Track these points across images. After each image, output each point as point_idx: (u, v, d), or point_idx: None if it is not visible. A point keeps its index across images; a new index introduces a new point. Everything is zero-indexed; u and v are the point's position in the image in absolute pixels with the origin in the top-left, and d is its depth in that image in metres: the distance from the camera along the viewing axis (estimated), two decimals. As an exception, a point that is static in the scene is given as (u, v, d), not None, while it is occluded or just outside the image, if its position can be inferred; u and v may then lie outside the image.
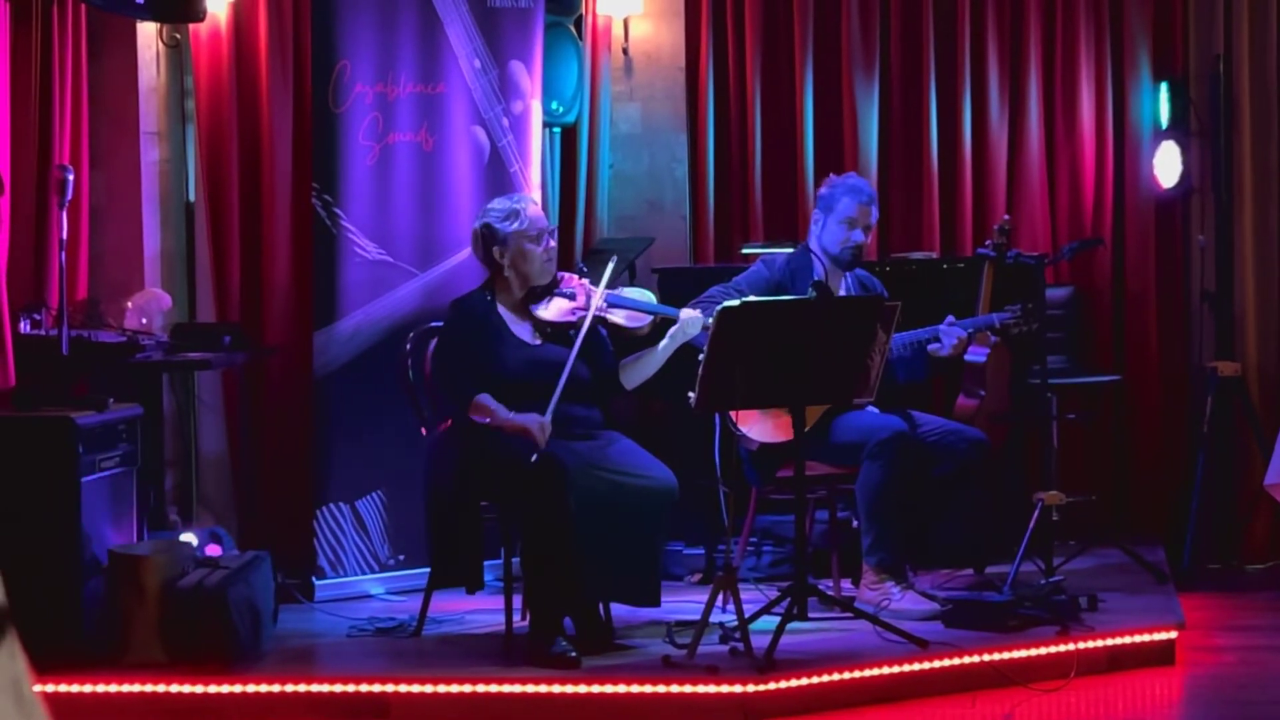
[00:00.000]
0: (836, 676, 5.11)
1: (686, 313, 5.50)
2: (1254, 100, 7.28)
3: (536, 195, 6.55)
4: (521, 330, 5.56)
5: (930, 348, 5.81)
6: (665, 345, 5.48)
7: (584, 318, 5.44)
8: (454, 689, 5.04)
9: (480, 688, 5.03)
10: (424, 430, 5.76)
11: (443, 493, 5.45)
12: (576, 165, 7.41)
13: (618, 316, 5.53)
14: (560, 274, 5.61)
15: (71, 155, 6.14)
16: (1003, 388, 6.30)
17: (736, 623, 5.17)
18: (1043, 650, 5.37)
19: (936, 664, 5.22)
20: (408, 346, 5.86)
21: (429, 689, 5.06)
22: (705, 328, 5.33)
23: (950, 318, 5.86)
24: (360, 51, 6.29)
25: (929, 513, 5.91)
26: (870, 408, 5.83)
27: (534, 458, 5.15)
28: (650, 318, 5.55)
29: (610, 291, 5.56)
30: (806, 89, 7.51)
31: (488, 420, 5.31)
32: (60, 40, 6.09)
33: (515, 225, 5.51)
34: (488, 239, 5.54)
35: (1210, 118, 7.35)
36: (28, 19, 5.96)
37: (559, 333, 5.54)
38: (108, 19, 6.43)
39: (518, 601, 5.53)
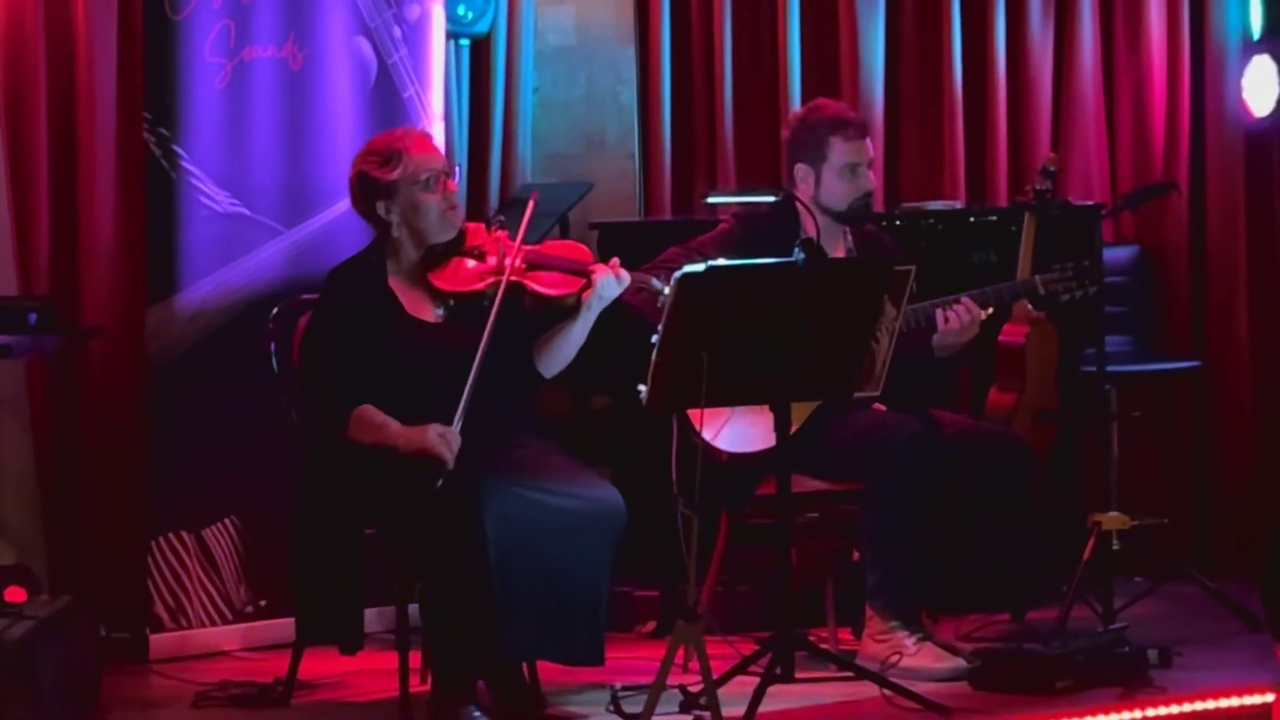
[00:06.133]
0: (832, 754, 5.09)
1: (601, 272, 5.50)
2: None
3: (438, 127, 6.57)
4: (418, 306, 5.54)
5: (934, 339, 5.83)
6: (583, 316, 5.50)
7: (497, 284, 5.41)
8: (333, 774, 5.06)
9: (367, 772, 5.04)
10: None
11: (312, 521, 5.46)
12: (490, 88, 7.44)
13: (539, 282, 5.51)
14: (469, 226, 5.60)
15: None
16: (1048, 377, 6.30)
17: (701, 685, 5.13)
18: (1101, 718, 5.34)
19: (962, 737, 5.23)
20: (270, 325, 5.87)
21: (300, 774, 5.07)
22: (660, 303, 5.31)
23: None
24: (205, -61, 6.30)
25: (953, 541, 5.89)
26: (876, 405, 5.84)
27: (439, 481, 5.15)
28: (584, 281, 5.53)
29: (531, 248, 5.53)
30: (791, -10, 7.54)
31: (373, 441, 5.31)
32: None
33: (399, 170, 5.48)
34: (367, 192, 5.53)
35: (1317, 24, 7.41)
36: None
37: (467, 306, 5.48)
38: None
39: (416, 659, 5.51)
